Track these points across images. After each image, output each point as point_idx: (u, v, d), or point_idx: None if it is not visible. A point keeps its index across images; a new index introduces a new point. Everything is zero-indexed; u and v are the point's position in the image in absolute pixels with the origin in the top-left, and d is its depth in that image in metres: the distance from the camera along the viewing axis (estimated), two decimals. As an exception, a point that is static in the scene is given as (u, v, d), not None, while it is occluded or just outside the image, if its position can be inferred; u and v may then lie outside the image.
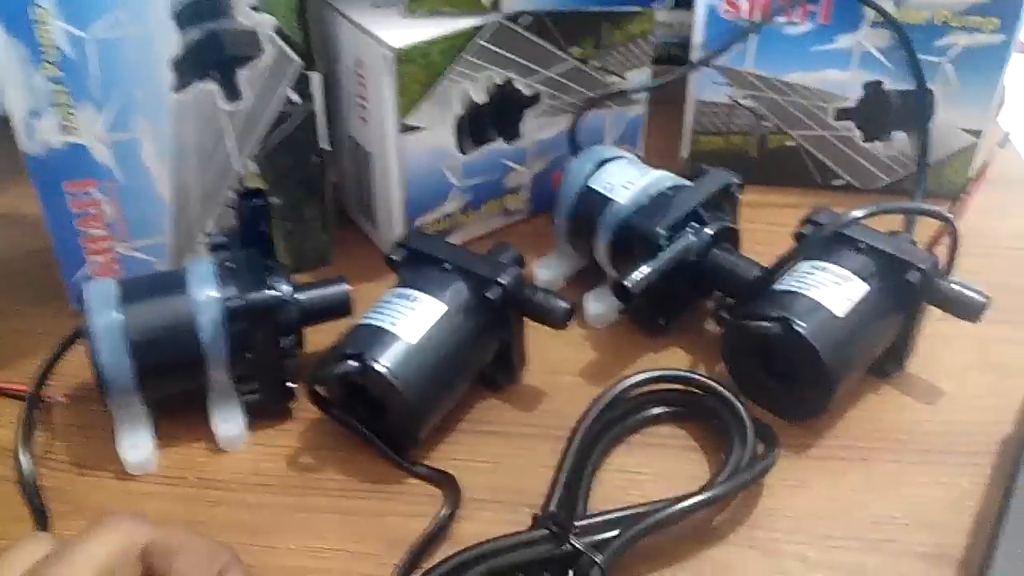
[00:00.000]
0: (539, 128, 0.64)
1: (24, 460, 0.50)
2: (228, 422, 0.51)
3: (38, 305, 0.61)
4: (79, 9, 0.51)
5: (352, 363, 0.48)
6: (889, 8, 0.63)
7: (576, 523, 0.44)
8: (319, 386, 0.50)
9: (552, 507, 0.45)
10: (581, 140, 0.64)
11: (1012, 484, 0.45)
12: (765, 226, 0.64)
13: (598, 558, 0.42)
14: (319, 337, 0.54)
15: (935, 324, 0.54)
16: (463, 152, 0.61)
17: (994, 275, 0.62)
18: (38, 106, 0.52)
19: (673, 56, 0.78)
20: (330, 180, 0.63)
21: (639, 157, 0.69)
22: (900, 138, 0.68)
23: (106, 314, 0.49)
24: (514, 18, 0.58)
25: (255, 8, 0.54)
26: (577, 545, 0.43)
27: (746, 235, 0.59)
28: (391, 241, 0.56)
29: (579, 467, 0.48)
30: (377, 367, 0.47)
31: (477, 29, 0.57)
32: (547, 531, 0.44)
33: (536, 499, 0.47)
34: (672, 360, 0.57)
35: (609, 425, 0.51)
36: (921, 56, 0.64)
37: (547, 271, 0.61)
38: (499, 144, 0.63)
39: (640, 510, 0.45)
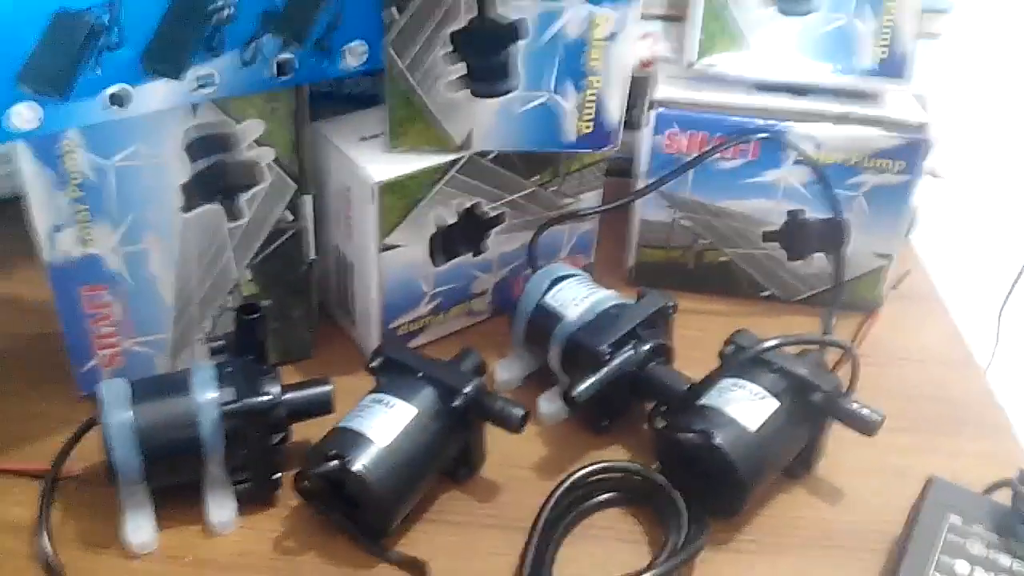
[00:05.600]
0: (503, 242, 0.72)
1: (43, 538, 0.56)
2: (222, 508, 0.58)
3: (45, 389, 0.66)
4: (104, 141, 0.58)
5: (333, 463, 0.55)
6: (809, 150, 0.72)
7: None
8: (304, 481, 0.57)
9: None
10: (540, 250, 0.73)
11: (892, 581, 0.53)
12: (698, 332, 0.72)
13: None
14: (305, 428, 0.61)
15: (842, 430, 0.62)
16: (435, 264, 0.69)
17: (897, 386, 0.71)
18: (60, 222, 0.59)
19: (622, 169, 0.86)
20: (315, 284, 0.70)
21: (590, 265, 0.78)
22: (819, 258, 0.77)
23: (119, 412, 0.56)
24: (483, 154, 0.67)
25: (258, 142, 0.62)
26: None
27: (682, 339, 0.67)
28: (368, 339, 0.63)
29: (542, 548, 0.56)
30: (354, 468, 0.55)
31: (451, 164, 0.66)
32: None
33: (493, 584, 0.55)
34: (615, 456, 0.65)
35: (567, 509, 0.59)
36: (837, 190, 0.73)
37: (506, 372, 0.69)
38: (467, 257, 0.71)
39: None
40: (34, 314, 0.71)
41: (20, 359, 0.70)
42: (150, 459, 0.56)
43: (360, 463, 0.55)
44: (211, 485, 0.59)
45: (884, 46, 0.73)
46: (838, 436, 0.63)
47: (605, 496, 0.60)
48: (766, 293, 0.80)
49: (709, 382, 0.60)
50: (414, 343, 0.72)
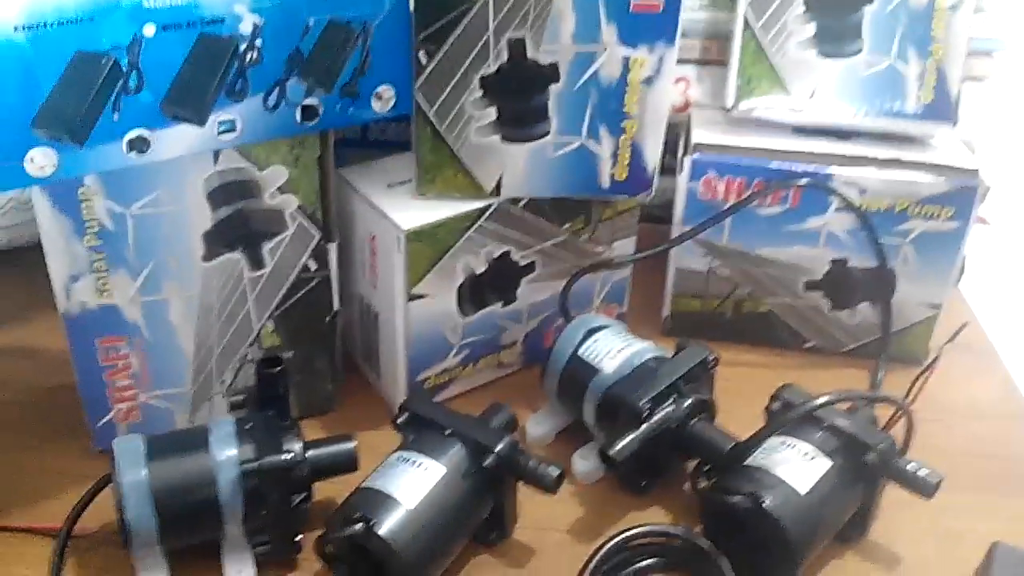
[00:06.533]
0: (533, 292, 0.70)
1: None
2: (240, 572, 0.55)
3: (60, 443, 0.64)
4: (123, 189, 0.56)
5: (358, 526, 0.52)
6: (853, 196, 0.69)
7: None
8: (327, 544, 0.54)
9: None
10: (572, 300, 0.70)
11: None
12: (739, 384, 0.69)
13: None
14: (327, 487, 0.58)
15: (895, 491, 0.59)
16: (463, 315, 0.67)
17: (952, 443, 0.68)
18: (77, 271, 0.57)
19: (657, 215, 0.84)
20: (339, 335, 0.68)
21: (623, 315, 0.75)
22: (864, 308, 0.74)
23: (134, 472, 0.53)
24: (514, 200, 0.64)
25: (281, 189, 0.60)
26: None
27: (721, 392, 0.64)
28: (394, 392, 0.60)
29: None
30: (380, 531, 0.52)
31: (481, 212, 0.63)
32: None
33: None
34: (654, 517, 0.61)
35: (606, 576, 0.55)
36: (883, 238, 0.70)
37: (538, 427, 0.66)
38: (497, 307, 0.68)
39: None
40: (51, 365, 0.70)
41: (35, 411, 0.69)
42: (166, 520, 0.53)
43: (386, 526, 0.52)
44: (229, 547, 0.56)
45: (930, 89, 0.71)
46: (891, 497, 0.59)
47: (647, 562, 0.57)
48: (809, 345, 0.76)
49: (755, 441, 0.57)
50: (441, 396, 0.69)
